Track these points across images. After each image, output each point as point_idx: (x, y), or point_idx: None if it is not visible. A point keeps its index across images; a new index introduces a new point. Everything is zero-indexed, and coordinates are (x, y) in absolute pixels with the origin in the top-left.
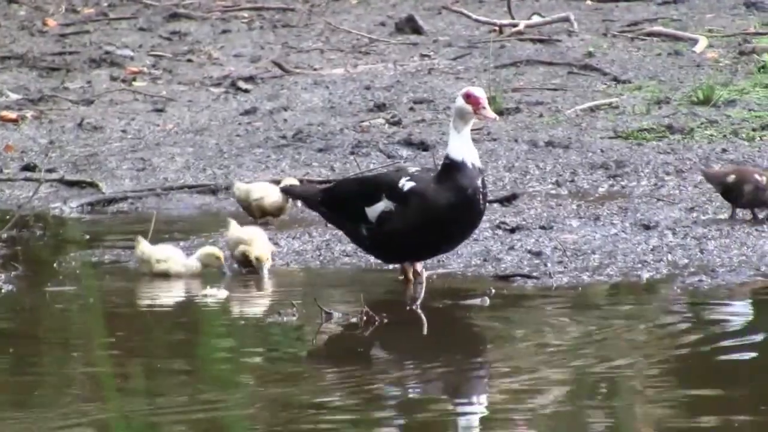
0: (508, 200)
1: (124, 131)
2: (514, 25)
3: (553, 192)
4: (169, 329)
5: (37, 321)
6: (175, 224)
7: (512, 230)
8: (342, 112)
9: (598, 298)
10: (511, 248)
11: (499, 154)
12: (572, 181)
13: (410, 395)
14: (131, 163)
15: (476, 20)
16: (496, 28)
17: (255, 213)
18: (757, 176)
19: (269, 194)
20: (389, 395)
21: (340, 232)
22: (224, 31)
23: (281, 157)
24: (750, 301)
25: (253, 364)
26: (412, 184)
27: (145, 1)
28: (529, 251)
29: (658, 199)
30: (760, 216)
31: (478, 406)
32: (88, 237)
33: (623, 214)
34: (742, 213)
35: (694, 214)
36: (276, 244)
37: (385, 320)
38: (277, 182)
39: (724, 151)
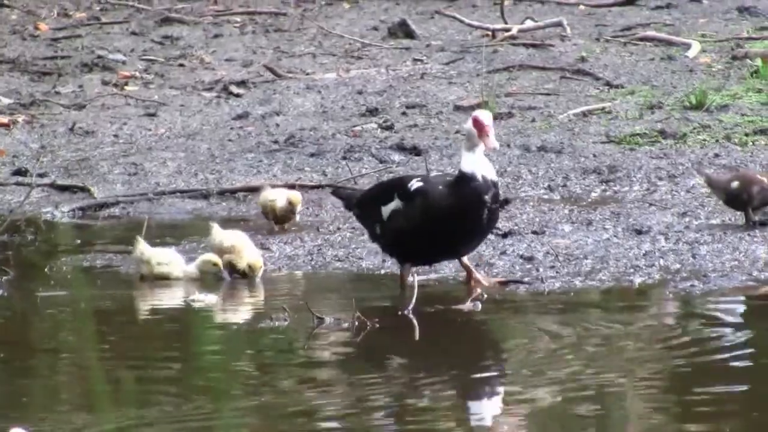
0: (500, 205)
1: (115, 136)
2: (507, 30)
3: (546, 197)
4: (161, 335)
5: (28, 326)
6: (167, 229)
7: (504, 235)
8: (334, 116)
9: (591, 303)
10: (503, 253)
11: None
12: (564, 185)
13: (405, 402)
14: (123, 168)
15: (469, 25)
16: (489, 32)
17: (268, 216)
18: (759, 177)
19: (279, 199)
20: (383, 402)
21: (333, 237)
22: (216, 36)
23: (273, 162)
24: (742, 306)
25: (246, 371)
26: (419, 184)
27: (137, 6)
28: (521, 256)
29: (651, 204)
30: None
31: (472, 412)
32: (79, 242)
33: (615, 219)
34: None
35: (687, 219)
36: (268, 249)
37: (377, 325)
38: (292, 186)
39: (716, 156)
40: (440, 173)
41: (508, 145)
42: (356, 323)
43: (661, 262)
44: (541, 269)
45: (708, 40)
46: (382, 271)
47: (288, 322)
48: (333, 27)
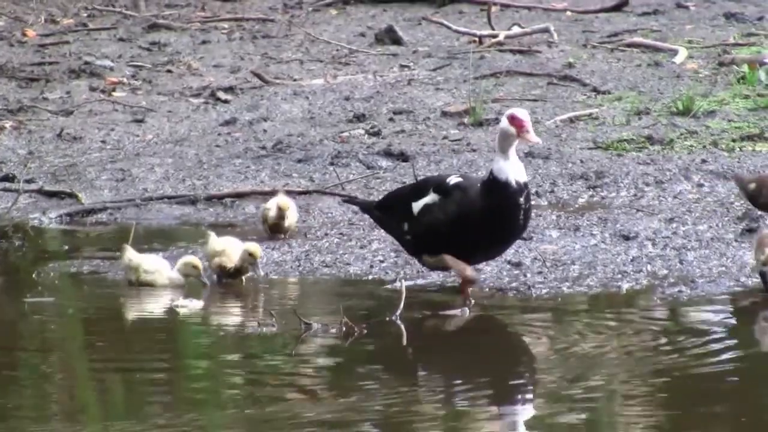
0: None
1: (103, 142)
2: (494, 36)
3: (533, 202)
4: (149, 342)
5: (16, 332)
6: (155, 235)
7: None
8: (322, 122)
9: (578, 308)
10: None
11: (479, 164)
12: (552, 191)
13: (393, 409)
14: (110, 174)
15: (456, 31)
16: (476, 38)
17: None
18: None
19: (273, 208)
20: (371, 410)
21: (320, 243)
22: (204, 42)
23: (261, 168)
24: (730, 311)
25: (233, 379)
26: (459, 180)
27: (125, 12)
28: (509, 262)
29: (638, 210)
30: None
31: (460, 418)
32: (67, 248)
33: (603, 224)
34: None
35: (674, 225)
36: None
37: (365, 331)
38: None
39: (703, 161)
40: (474, 176)
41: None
42: (344, 329)
43: (649, 267)
44: (528, 275)
45: (695, 46)
46: (370, 277)
47: (276, 328)
48: (320, 33)
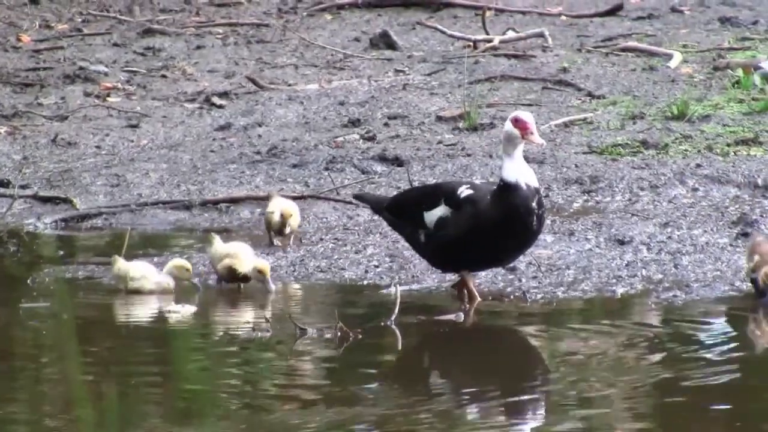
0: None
1: (98, 147)
2: (489, 41)
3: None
4: (143, 348)
5: (11, 338)
6: (150, 240)
7: None
8: (316, 127)
9: (573, 313)
10: None
11: (474, 169)
12: (546, 196)
13: (388, 415)
14: (105, 179)
15: (451, 36)
16: (471, 43)
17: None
18: None
19: (276, 212)
20: (366, 415)
21: (315, 248)
22: (198, 47)
23: (255, 173)
24: (725, 316)
25: (228, 386)
26: (470, 192)
27: (120, 17)
28: (504, 266)
29: (633, 215)
30: None
31: (456, 424)
32: (61, 253)
33: (597, 229)
34: None
35: (669, 230)
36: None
37: (360, 336)
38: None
39: (698, 166)
40: (486, 181)
41: (490, 156)
42: (339, 334)
43: (644, 272)
44: (523, 280)
45: (690, 50)
46: (365, 282)
47: (270, 333)
48: (315, 38)
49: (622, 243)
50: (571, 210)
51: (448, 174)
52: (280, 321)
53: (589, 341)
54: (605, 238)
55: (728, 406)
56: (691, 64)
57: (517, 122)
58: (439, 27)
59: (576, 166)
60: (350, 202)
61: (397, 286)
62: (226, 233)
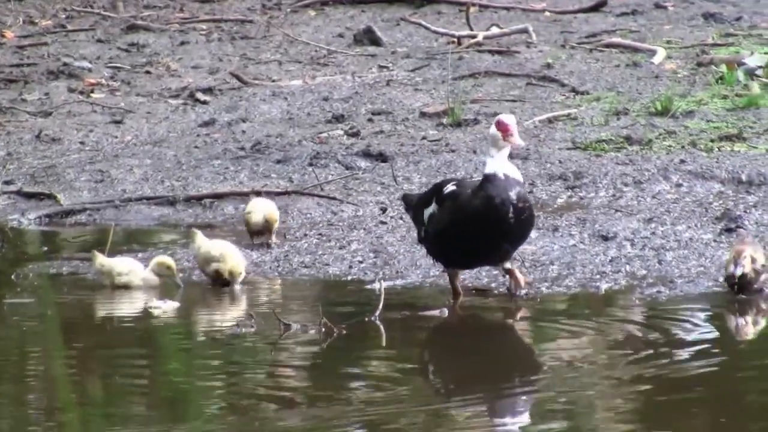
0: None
1: (82, 143)
2: (473, 37)
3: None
4: (128, 344)
5: None
6: (134, 236)
7: None
8: (300, 123)
9: (557, 309)
10: None
11: (458, 165)
12: (530, 192)
13: (372, 411)
14: (89, 175)
15: (435, 32)
16: (455, 39)
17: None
18: None
19: (256, 211)
20: (349, 410)
21: (299, 244)
22: (182, 43)
23: (240, 169)
24: (708, 312)
25: (212, 382)
26: (453, 188)
27: (103, 13)
28: None
29: (617, 210)
30: None
31: (438, 418)
32: (46, 249)
33: (581, 225)
34: None
35: (653, 225)
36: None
37: (344, 332)
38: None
39: (682, 162)
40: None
41: (474, 152)
42: (323, 330)
43: (628, 268)
44: (507, 275)
45: (673, 46)
46: (349, 278)
47: (254, 328)
48: (299, 34)
49: (606, 239)
50: (555, 206)
51: (432, 170)
52: (264, 317)
53: (572, 337)
54: (589, 233)
55: (712, 402)
56: (675, 60)
57: (499, 125)
58: (423, 23)
59: (560, 161)
60: (334, 198)
61: (381, 281)
62: (210, 229)
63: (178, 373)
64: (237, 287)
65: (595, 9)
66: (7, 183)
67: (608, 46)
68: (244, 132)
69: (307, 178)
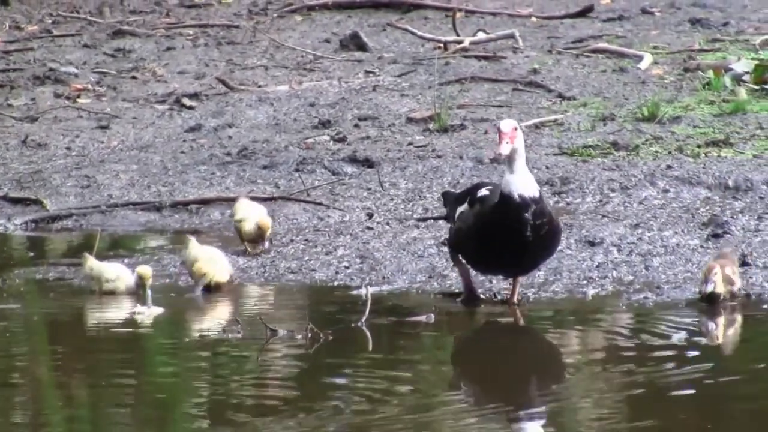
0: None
1: (68, 148)
2: (459, 42)
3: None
4: (114, 350)
5: None
6: (120, 241)
7: None
8: (287, 128)
9: (543, 315)
10: None
11: (444, 170)
12: None
13: (358, 417)
14: (76, 180)
15: (421, 37)
16: (441, 44)
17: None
18: None
19: (248, 219)
20: (336, 416)
21: (286, 249)
22: (169, 48)
23: (226, 174)
24: (695, 317)
25: (198, 389)
26: (485, 192)
27: (90, 18)
28: None
29: (603, 216)
30: None
31: (424, 425)
32: (32, 254)
33: (568, 230)
34: None
35: (639, 231)
36: None
37: (330, 338)
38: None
39: (669, 167)
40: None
41: (461, 157)
42: (309, 335)
43: (614, 273)
44: (494, 281)
45: (660, 52)
46: (335, 283)
47: (241, 334)
48: (285, 39)
49: (592, 244)
50: None
51: (418, 175)
52: (250, 322)
53: (558, 342)
54: (576, 239)
55: (699, 408)
56: (662, 65)
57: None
58: (410, 28)
59: (546, 167)
60: (320, 204)
61: (368, 287)
62: (197, 234)
63: (163, 379)
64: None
65: (581, 14)
66: None
67: (595, 51)
68: (230, 137)
69: (294, 184)
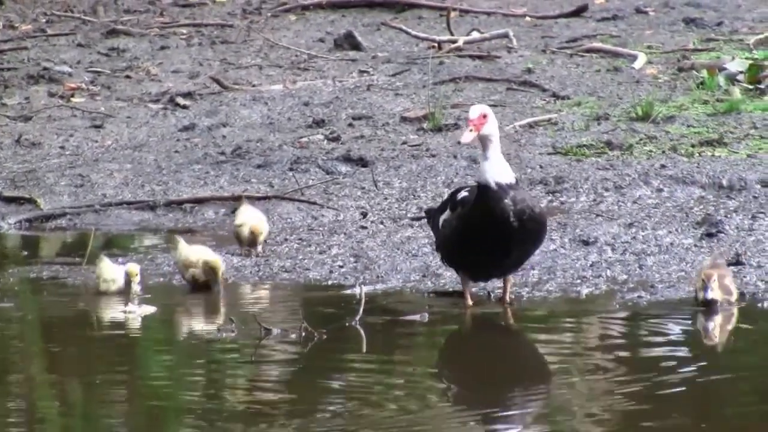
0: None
1: (62, 147)
2: (453, 42)
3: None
4: (108, 349)
5: None
6: (114, 240)
7: None
8: (281, 128)
9: (537, 314)
10: None
11: (438, 170)
12: None
13: (352, 416)
14: (70, 180)
15: (415, 36)
16: (435, 44)
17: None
18: None
19: (247, 224)
20: (330, 416)
21: (279, 248)
22: (163, 48)
23: (220, 174)
24: (689, 316)
25: (192, 389)
26: (464, 194)
27: (84, 18)
28: None
29: (597, 215)
30: None
31: (418, 425)
32: (26, 253)
33: (562, 229)
34: None
35: (633, 230)
36: None
37: (325, 337)
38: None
39: (663, 167)
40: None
41: (455, 157)
42: (303, 334)
43: (608, 272)
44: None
45: (654, 51)
46: (330, 282)
47: (235, 333)
48: (279, 39)
49: (586, 243)
50: None
51: (412, 174)
52: (244, 321)
53: (552, 342)
54: (570, 238)
55: (693, 407)
56: (656, 65)
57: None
58: (404, 28)
59: (540, 166)
60: (314, 203)
61: (362, 286)
62: (191, 234)
63: (157, 378)
64: (218, 291)
65: (575, 14)
66: None
67: (589, 51)
68: (224, 137)
69: (288, 183)
